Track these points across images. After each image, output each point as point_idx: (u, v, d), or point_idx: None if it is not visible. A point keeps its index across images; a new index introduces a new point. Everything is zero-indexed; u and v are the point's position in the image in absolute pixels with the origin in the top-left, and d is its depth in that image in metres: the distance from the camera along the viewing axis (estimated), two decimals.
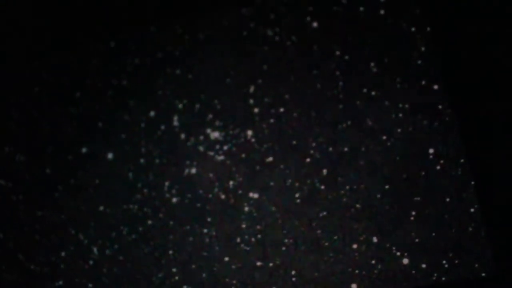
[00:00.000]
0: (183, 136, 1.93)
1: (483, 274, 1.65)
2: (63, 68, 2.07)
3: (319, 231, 1.77)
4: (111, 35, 2.04)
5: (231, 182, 1.86)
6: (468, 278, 1.66)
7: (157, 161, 1.93)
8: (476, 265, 1.66)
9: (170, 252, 1.85)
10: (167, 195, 1.89)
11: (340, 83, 1.86)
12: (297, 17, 1.93)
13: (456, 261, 1.67)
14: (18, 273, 1.93)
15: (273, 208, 1.82)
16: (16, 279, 1.92)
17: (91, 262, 1.90)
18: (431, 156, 1.76)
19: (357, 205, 1.77)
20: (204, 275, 1.82)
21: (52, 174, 1.99)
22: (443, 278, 1.67)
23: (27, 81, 2.07)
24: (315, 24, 1.92)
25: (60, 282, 1.91)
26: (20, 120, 2.05)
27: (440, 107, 1.78)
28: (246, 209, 1.83)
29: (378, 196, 1.76)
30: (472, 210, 1.70)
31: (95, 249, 1.90)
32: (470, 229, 1.69)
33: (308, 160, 1.83)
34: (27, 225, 1.97)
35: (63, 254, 1.92)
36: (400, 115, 1.80)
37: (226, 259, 1.81)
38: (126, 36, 2.03)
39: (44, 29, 2.08)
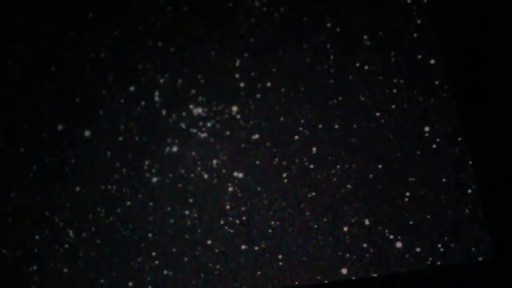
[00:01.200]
0: (164, 112, 1.84)
1: (480, 259, 1.59)
2: (38, 41, 1.96)
3: (307, 213, 1.71)
4: (89, 5, 1.94)
5: (214, 161, 1.78)
6: (464, 262, 1.60)
7: (136, 138, 1.84)
8: (473, 249, 1.60)
9: (150, 235, 1.78)
10: (147, 175, 1.81)
11: (331, 57, 1.78)
12: None
13: (452, 245, 1.62)
14: None
15: (259, 189, 1.75)
16: None
17: (66, 246, 1.82)
18: (426, 134, 1.70)
19: (348, 186, 1.70)
20: (185, 259, 1.75)
21: (26, 153, 1.90)
22: (438, 263, 1.62)
23: None
24: None
25: (34, 267, 1.82)
26: None
27: (436, 82, 1.72)
28: (231, 189, 1.76)
29: (371, 176, 1.70)
30: (469, 191, 1.64)
31: (70, 232, 1.82)
32: (467, 211, 1.63)
33: (296, 137, 1.75)
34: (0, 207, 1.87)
35: (37, 237, 1.84)
36: (394, 90, 1.73)
37: (209, 242, 1.75)
38: (105, 6, 1.93)
39: (20, 1, 1.97)
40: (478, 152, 1.65)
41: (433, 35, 1.74)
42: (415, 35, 1.75)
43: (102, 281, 1.77)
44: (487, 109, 1.68)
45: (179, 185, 1.79)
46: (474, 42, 1.75)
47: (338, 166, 1.71)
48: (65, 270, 1.80)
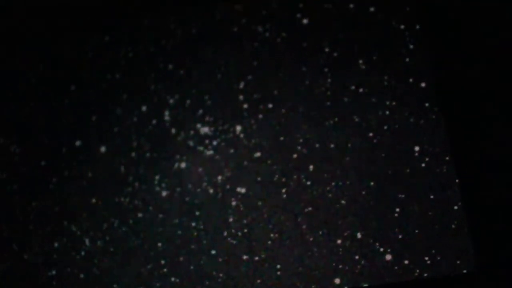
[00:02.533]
0: (173, 130, 1.96)
1: (465, 271, 1.67)
2: (59, 61, 2.10)
3: (304, 226, 1.80)
4: (106, 28, 2.08)
5: (219, 177, 1.89)
6: (449, 274, 1.67)
7: (148, 155, 1.96)
8: (458, 262, 1.67)
9: (159, 244, 1.89)
10: (157, 189, 1.93)
11: (328, 80, 1.88)
12: (288, 14, 1.95)
13: (438, 258, 1.69)
14: (12, 262, 1.98)
15: (260, 203, 1.84)
16: (10, 268, 1.97)
17: (83, 253, 1.94)
18: (416, 154, 1.77)
19: (342, 201, 1.79)
20: (191, 267, 1.85)
21: (47, 166, 2.03)
22: (425, 274, 1.69)
23: (23, 74, 2.11)
24: (305, 21, 1.94)
25: (53, 272, 1.95)
26: (16, 112, 2.09)
27: (427, 105, 1.80)
28: (234, 203, 1.86)
29: (363, 192, 1.78)
30: (455, 207, 1.71)
31: (87, 241, 1.94)
32: (453, 226, 1.70)
33: (295, 156, 1.85)
34: (22, 216, 2.01)
35: (56, 244, 1.97)
36: (387, 112, 1.82)
37: (213, 252, 1.84)
38: (120, 30, 2.06)
39: (41, 22, 2.11)
40: (464, 171, 1.73)
41: (425, 60, 1.83)
42: (407, 59, 1.83)
43: (115, 286, 1.89)
44: (474, 130, 1.78)
45: (187, 198, 1.90)
46: (464, 66, 1.83)
47: (333, 183, 1.80)
48: (81, 276, 1.92)
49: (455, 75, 1.83)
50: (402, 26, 1.87)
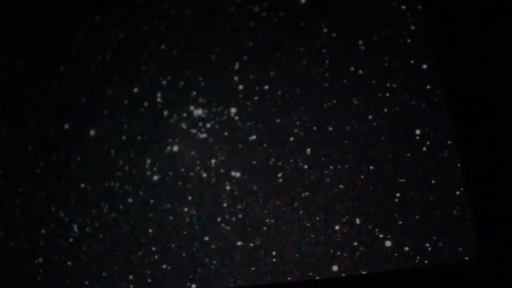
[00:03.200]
0: (166, 113, 1.90)
1: (467, 258, 1.61)
2: (47, 41, 2.03)
3: (301, 212, 1.74)
4: (96, 8, 2.00)
5: (213, 161, 1.83)
6: (451, 262, 1.62)
7: (139, 138, 1.90)
8: (460, 249, 1.62)
9: (150, 230, 1.83)
10: (148, 173, 1.87)
11: (327, 61, 1.82)
12: None
13: (440, 245, 1.64)
14: None
15: (255, 188, 1.79)
16: None
17: (71, 240, 1.88)
18: (417, 137, 1.72)
19: (341, 186, 1.73)
20: (183, 254, 1.80)
21: (34, 150, 1.97)
22: (426, 261, 1.64)
23: (9, 55, 2.04)
24: (302, 1, 1.87)
25: (40, 260, 1.89)
26: (2, 95, 2.02)
27: (428, 87, 1.74)
28: (228, 188, 1.80)
29: (362, 177, 1.72)
30: (457, 193, 1.66)
31: (75, 227, 1.88)
32: (455, 212, 1.65)
33: (291, 139, 1.79)
34: (8, 201, 1.95)
35: (43, 231, 1.90)
36: (387, 94, 1.76)
37: (206, 238, 1.79)
38: (112, 9, 1.99)
39: (29, 2, 2.04)
40: (467, 155, 1.68)
41: (426, 41, 1.77)
42: (408, 40, 1.77)
43: (104, 274, 1.84)
44: (477, 113, 1.72)
45: (179, 183, 1.84)
46: (466, 48, 1.78)
47: (331, 167, 1.75)
48: (69, 263, 1.87)
49: (458, 57, 1.77)
50: (403, 7, 1.81)
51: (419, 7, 1.80)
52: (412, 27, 1.79)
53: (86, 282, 1.85)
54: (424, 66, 1.76)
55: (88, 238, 1.87)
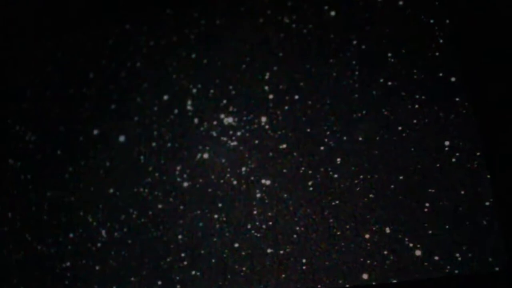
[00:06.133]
0: (196, 120, 1.92)
1: (497, 268, 1.63)
2: (77, 48, 2.06)
3: (331, 220, 1.76)
4: (127, 16, 2.03)
5: (243, 168, 1.85)
6: (481, 272, 1.63)
7: (169, 145, 1.92)
8: (490, 259, 1.63)
9: (180, 236, 1.83)
10: (178, 179, 1.88)
11: (356, 73, 1.85)
12: (315, 6, 1.92)
13: (470, 255, 1.65)
14: (25, 253, 1.91)
15: (285, 195, 1.80)
16: (23, 259, 1.90)
17: (99, 245, 1.88)
18: (446, 149, 1.74)
19: (371, 195, 1.75)
20: (213, 260, 1.80)
21: (63, 155, 1.98)
22: (456, 271, 1.65)
23: (40, 61, 2.06)
24: (332, 13, 1.91)
25: (68, 264, 1.89)
26: (32, 99, 2.04)
27: (457, 99, 1.77)
28: (258, 195, 1.82)
29: (392, 187, 1.74)
30: (487, 203, 1.67)
31: (103, 232, 1.89)
32: (484, 222, 1.66)
33: (322, 148, 1.81)
34: (36, 205, 1.95)
35: (71, 235, 1.91)
36: (416, 106, 1.79)
37: (236, 245, 1.80)
38: (142, 18, 2.02)
39: (60, 8, 2.06)
40: (495, 166, 1.71)
41: (454, 54, 1.80)
42: (437, 53, 1.80)
43: (132, 279, 1.84)
44: (504, 124, 1.75)
45: (209, 190, 1.85)
46: (494, 60, 1.81)
47: (361, 176, 1.76)
48: (97, 268, 1.87)
49: (486, 69, 1.80)
50: (432, 21, 1.84)
51: (447, 21, 1.84)
52: (441, 41, 1.82)
53: (114, 287, 1.85)
54: (453, 79, 1.78)
55: (116, 243, 1.87)
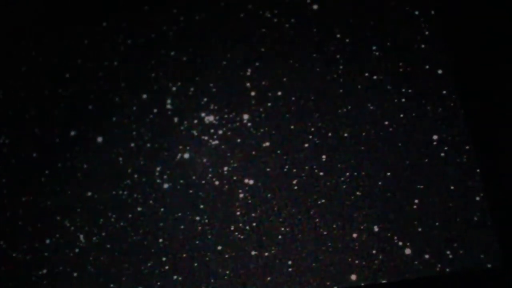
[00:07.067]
0: (176, 119, 1.85)
1: (489, 265, 1.58)
2: (52, 47, 1.99)
3: (317, 220, 1.70)
4: (104, 14, 1.97)
5: (225, 168, 1.79)
6: (473, 269, 1.58)
7: (148, 145, 1.85)
8: (482, 256, 1.59)
9: (160, 240, 1.77)
10: (158, 181, 1.82)
11: (341, 67, 1.80)
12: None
13: (461, 252, 1.60)
14: (0, 260, 1.83)
15: (269, 195, 1.75)
16: None
17: (77, 250, 1.81)
18: (435, 143, 1.70)
19: (358, 193, 1.70)
20: (195, 264, 1.74)
21: (39, 158, 1.91)
22: (448, 269, 1.60)
23: (14, 60, 1.99)
24: (315, 6, 1.86)
25: (44, 271, 1.82)
26: (6, 100, 1.97)
27: (444, 92, 1.73)
28: (241, 196, 1.76)
29: (380, 183, 1.69)
30: (477, 198, 1.63)
31: (81, 237, 1.82)
32: (476, 218, 1.62)
33: (306, 145, 1.76)
34: (11, 211, 1.88)
35: (47, 241, 1.84)
36: (403, 100, 1.74)
37: (219, 248, 1.74)
38: (119, 15, 1.96)
39: (35, 7, 2.00)
40: (485, 160, 1.66)
41: (441, 46, 1.76)
42: (423, 46, 1.76)
43: (111, 285, 1.77)
44: (494, 117, 1.70)
45: (190, 191, 1.79)
46: (481, 52, 1.77)
47: (347, 174, 1.71)
48: (75, 274, 1.79)
49: (473, 61, 1.76)
50: (417, 12, 1.80)
51: (432, 12, 1.79)
52: (426, 32, 1.78)
53: None
54: (440, 71, 1.74)
55: (95, 249, 1.80)
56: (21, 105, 1.96)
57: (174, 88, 1.88)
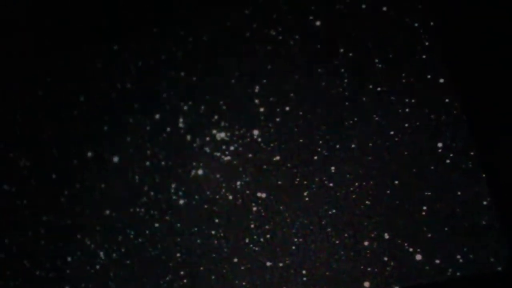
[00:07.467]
0: (188, 137, 1.91)
1: (499, 269, 1.61)
2: (67, 71, 2.06)
3: (329, 229, 1.74)
4: (114, 37, 2.04)
5: (238, 183, 1.84)
6: (484, 273, 1.62)
7: (163, 163, 1.91)
8: (492, 259, 1.62)
9: (178, 254, 1.82)
10: (174, 197, 1.87)
11: (345, 80, 1.85)
12: (300, 16, 1.93)
13: (471, 256, 1.64)
14: (23, 279, 1.90)
15: (282, 207, 1.79)
16: (21, 285, 1.89)
17: (97, 267, 1.87)
18: (440, 150, 1.73)
19: (367, 202, 1.74)
20: (213, 277, 1.78)
21: (57, 179, 1.97)
22: (458, 274, 1.63)
23: (31, 84, 2.06)
24: (318, 23, 1.91)
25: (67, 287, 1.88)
26: (24, 123, 2.04)
27: (447, 100, 1.77)
28: (254, 209, 1.81)
29: (388, 192, 1.73)
30: (484, 203, 1.66)
31: (101, 253, 1.87)
32: (484, 222, 1.65)
33: (315, 157, 1.81)
34: (32, 230, 1.94)
35: (69, 259, 1.89)
36: (407, 110, 1.79)
37: (235, 260, 1.78)
38: (129, 38, 2.03)
39: (48, 31, 2.07)
40: (490, 164, 1.70)
41: (441, 56, 1.81)
42: (423, 56, 1.81)
43: None
44: (497, 122, 1.74)
45: (205, 206, 1.84)
46: (481, 59, 1.81)
47: (356, 184, 1.76)
48: None
49: (474, 69, 1.80)
50: (416, 24, 1.85)
51: (432, 23, 1.84)
52: (426, 43, 1.82)
53: None
54: (441, 80, 1.79)
55: (115, 265, 1.86)
56: (39, 128, 2.03)
57: (185, 107, 1.94)
